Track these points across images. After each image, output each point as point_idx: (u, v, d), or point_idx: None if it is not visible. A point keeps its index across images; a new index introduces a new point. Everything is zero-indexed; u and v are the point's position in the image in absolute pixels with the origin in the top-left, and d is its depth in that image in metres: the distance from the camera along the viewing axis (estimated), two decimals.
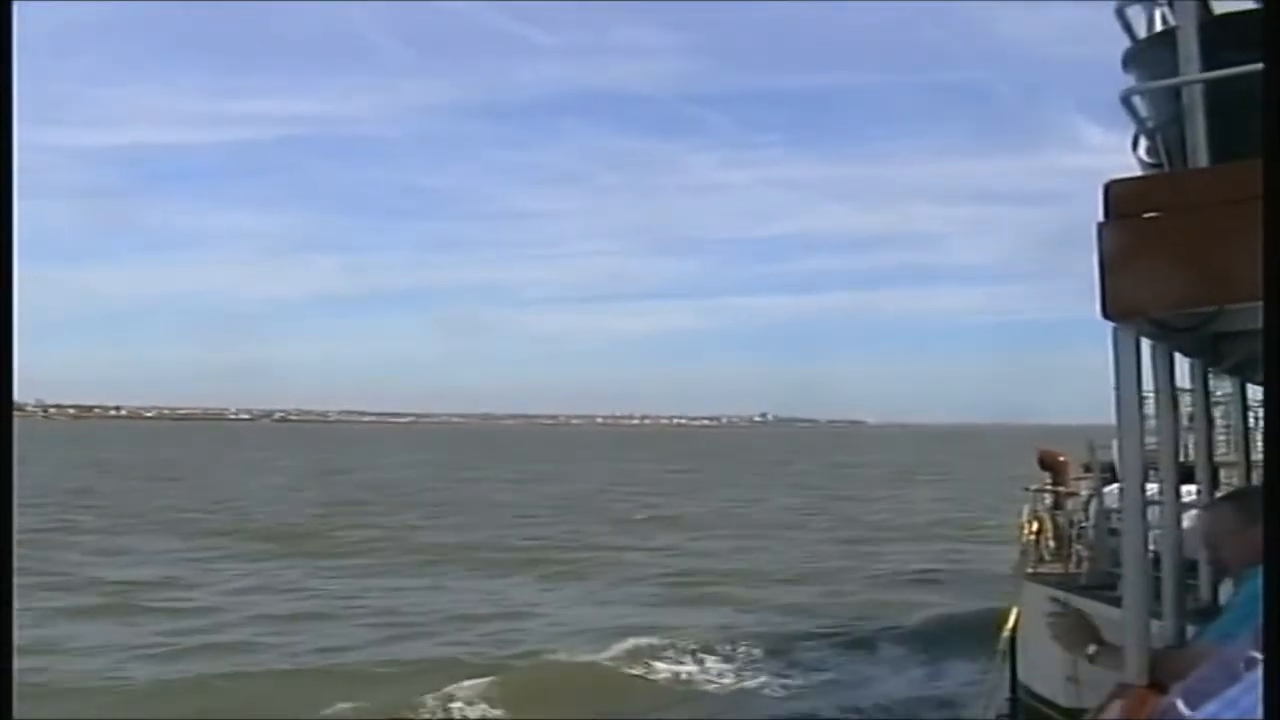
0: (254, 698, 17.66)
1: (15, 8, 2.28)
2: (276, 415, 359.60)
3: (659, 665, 20.00)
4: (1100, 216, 3.74)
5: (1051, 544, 16.23)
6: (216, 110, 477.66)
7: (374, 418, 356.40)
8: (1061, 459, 17.68)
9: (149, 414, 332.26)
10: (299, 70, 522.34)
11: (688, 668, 19.99)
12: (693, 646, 20.90)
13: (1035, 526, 16.49)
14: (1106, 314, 3.76)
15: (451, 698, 17.41)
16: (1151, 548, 4.16)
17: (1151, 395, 4.25)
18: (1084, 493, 16.28)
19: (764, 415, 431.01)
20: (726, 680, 19.54)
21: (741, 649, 21.16)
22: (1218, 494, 6.19)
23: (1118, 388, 3.91)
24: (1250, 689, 2.13)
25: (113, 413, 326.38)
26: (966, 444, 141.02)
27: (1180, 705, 2.72)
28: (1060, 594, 6.04)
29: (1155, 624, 4.20)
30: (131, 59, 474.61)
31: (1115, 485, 11.84)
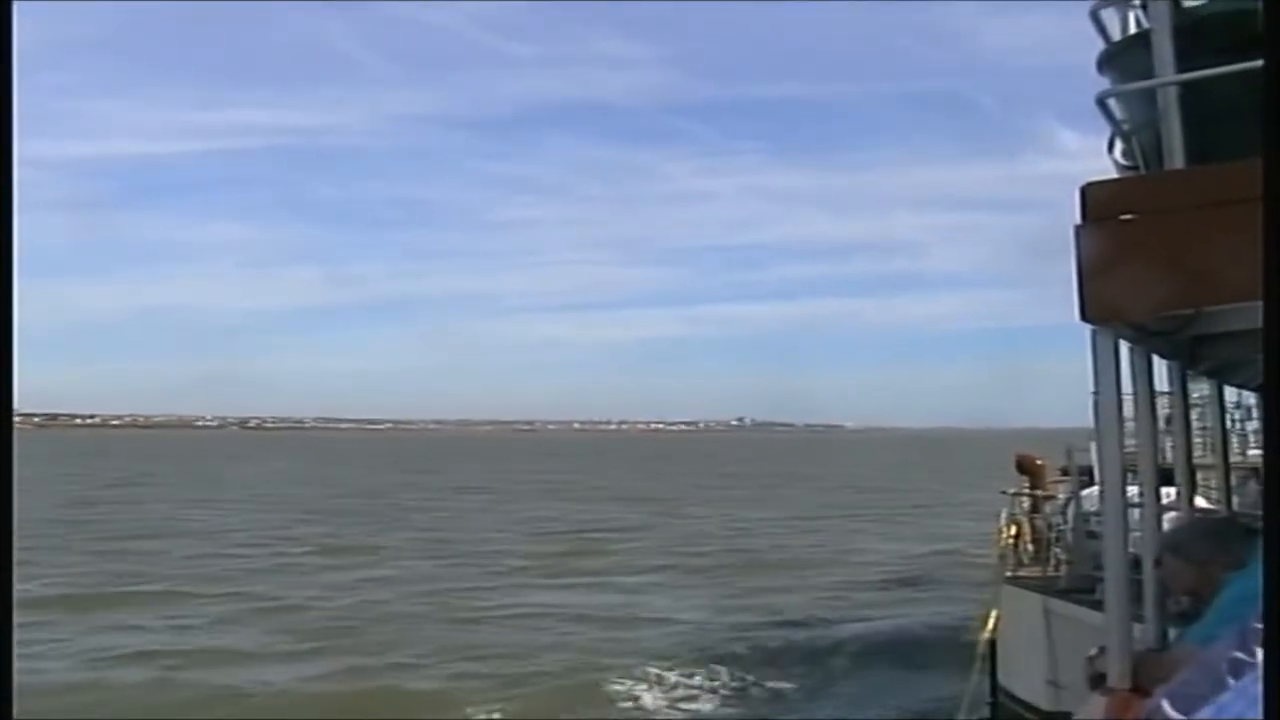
0: None
1: (15, 8, 2.24)
2: (251, 423, 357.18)
3: None
4: (1077, 220, 3.73)
5: (1030, 547, 16.30)
6: (198, 123, 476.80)
7: (351, 425, 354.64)
8: (1039, 463, 17.77)
9: (116, 422, 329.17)
10: (283, 83, 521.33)
11: None
12: None
13: (1013, 530, 16.56)
14: (1085, 317, 3.75)
15: None
16: (1131, 550, 4.16)
17: (1130, 398, 4.24)
18: (1062, 496, 16.37)
19: (741, 419, 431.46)
20: None
21: None
22: (1196, 497, 6.21)
23: (1097, 391, 3.90)
24: (1240, 695, 2.11)
25: (78, 421, 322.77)
26: (930, 449, 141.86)
27: (1166, 708, 2.71)
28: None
29: (1137, 627, 4.20)
30: (115, 72, 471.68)
31: (1093, 488, 11.88)
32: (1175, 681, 2.79)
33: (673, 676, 19.68)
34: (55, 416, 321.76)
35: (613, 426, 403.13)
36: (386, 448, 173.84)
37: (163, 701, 17.92)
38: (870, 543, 41.13)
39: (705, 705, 18.62)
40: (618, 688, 19.14)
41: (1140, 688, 3.68)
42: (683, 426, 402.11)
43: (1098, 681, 4.02)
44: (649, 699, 18.72)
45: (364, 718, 17.83)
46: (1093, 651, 4.19)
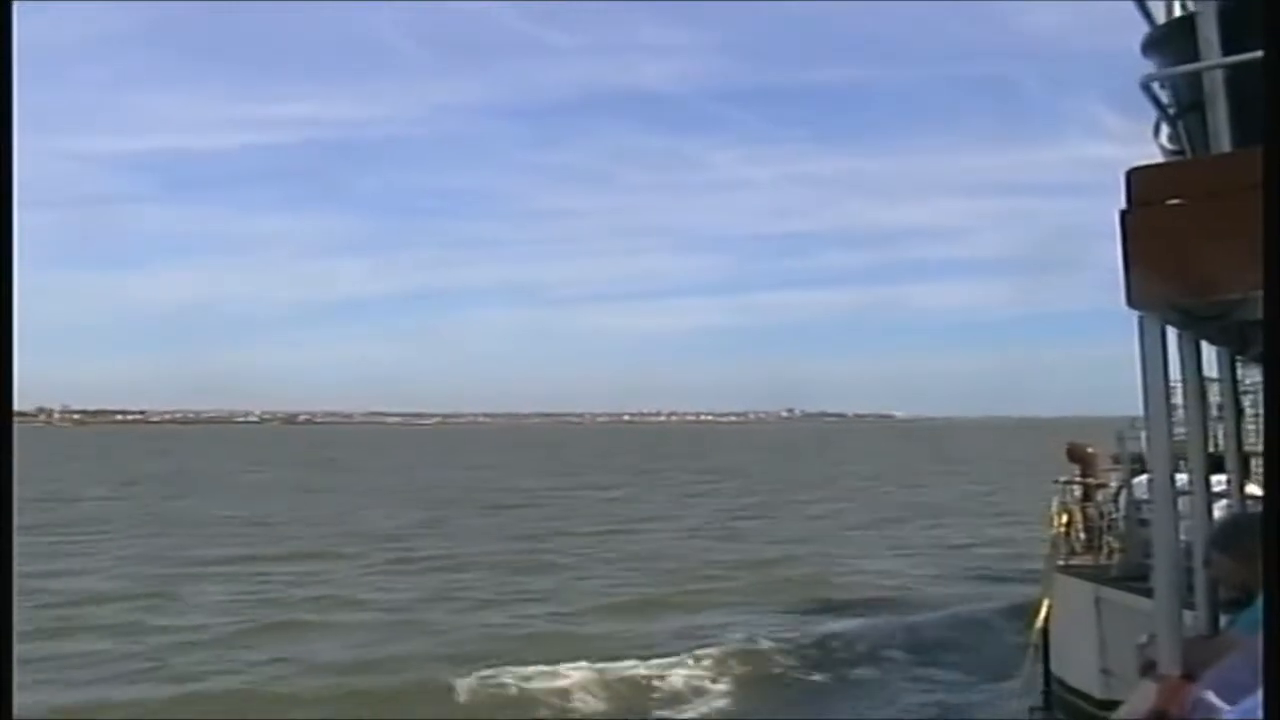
0: None
1: (15, 8, 2.29)
2: (300, 418, 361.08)
3: None
4: (1123, 205, 3.71)
5: (1082, 536, 16.17)
6: (238, 115, 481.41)
7: (399, 419, 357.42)
8: (1090, 451, 17.59)
9: (157, 418, 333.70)
10: (323, 75, 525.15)
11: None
12: None
13: (1065, 519, 16.43)
14: (1131, 303, 3.73)
15: None
16: (1183, 538, 4.13)
17: (1180, 385, 4.21)
18: (1114, 484, 16.20)
19: (791, 410, 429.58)
20: None
21: None
22: (1248, 484, 6.13)
23: (1144, 378, 3.87)
24: None
25: (118, 418, 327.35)
26: (966, 438, 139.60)
27: (1211, 697, 2.70)
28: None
29: (1188, 614, 4.17)
30: (153, 66, 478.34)
31: (1145, 476, 11.74)
32: (1220, 668, 2.78)
33: None
34: (96, 413, 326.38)
35: (662, 418, 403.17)
36: (467, 441, 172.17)
37: None
38: None
39: None
40: None
41: (1190, 674, 3.66)
42: (732, 418, 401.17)
43: (1148, 668, 4.00)
44: None
45: None
46: (1143, 639, 4.17)
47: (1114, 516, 15.37)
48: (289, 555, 34.53)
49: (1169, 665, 3.75)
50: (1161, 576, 3.87)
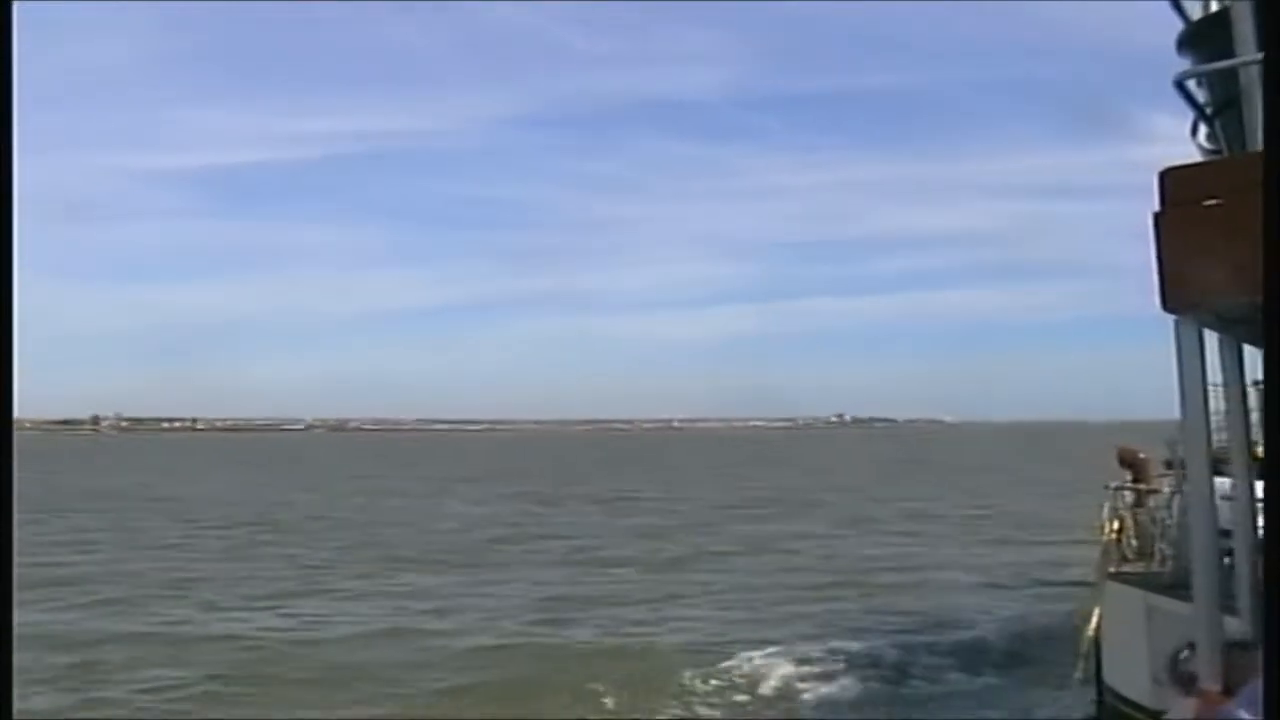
0: None
1: (15, 8, 2.32)
2: (351, 424, 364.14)
3: None
4: (1156, 206, 3.63)
5: (1134, 543, 15.88)
6: (287, 129, 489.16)
7: (447, 426, 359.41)
8: (1142, 456, 17.27)
9: (202, 426, 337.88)
10: (367, 88, 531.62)
11: None
12: None
13: (1116, 525, 16.14)
14: (1166, 306, 3.66)
15: None
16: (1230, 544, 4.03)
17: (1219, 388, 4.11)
18: (1166, 490, 15.89)
19: (840, 416, 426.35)
20: None
21: None
22: None
23: (1181, 382, 3.80)
24: None
25: (164, 425, 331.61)
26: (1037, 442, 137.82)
27: (1243, 715, 2.62)
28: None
29: (1234, 621, 4.07)
30: (203, 83, 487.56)
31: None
32: (1254, 683, 2.69)
33: None
34: (144, 420, 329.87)
35: (711, 424, 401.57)
36: (533, 448, 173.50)
37: None
38: None
39: None
40: None
41: (1230, 688, 3.57)
42: (782, 424, 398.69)
43: (1188, 681, 3.91)
44: None
45: None
46: (1183, 653, 4.08)
47: (1166, 523, 15.07)
48: None
49: (1208, 678, 3.66)
50: (1200, 585, 3.78)
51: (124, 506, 57.74)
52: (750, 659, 20.69)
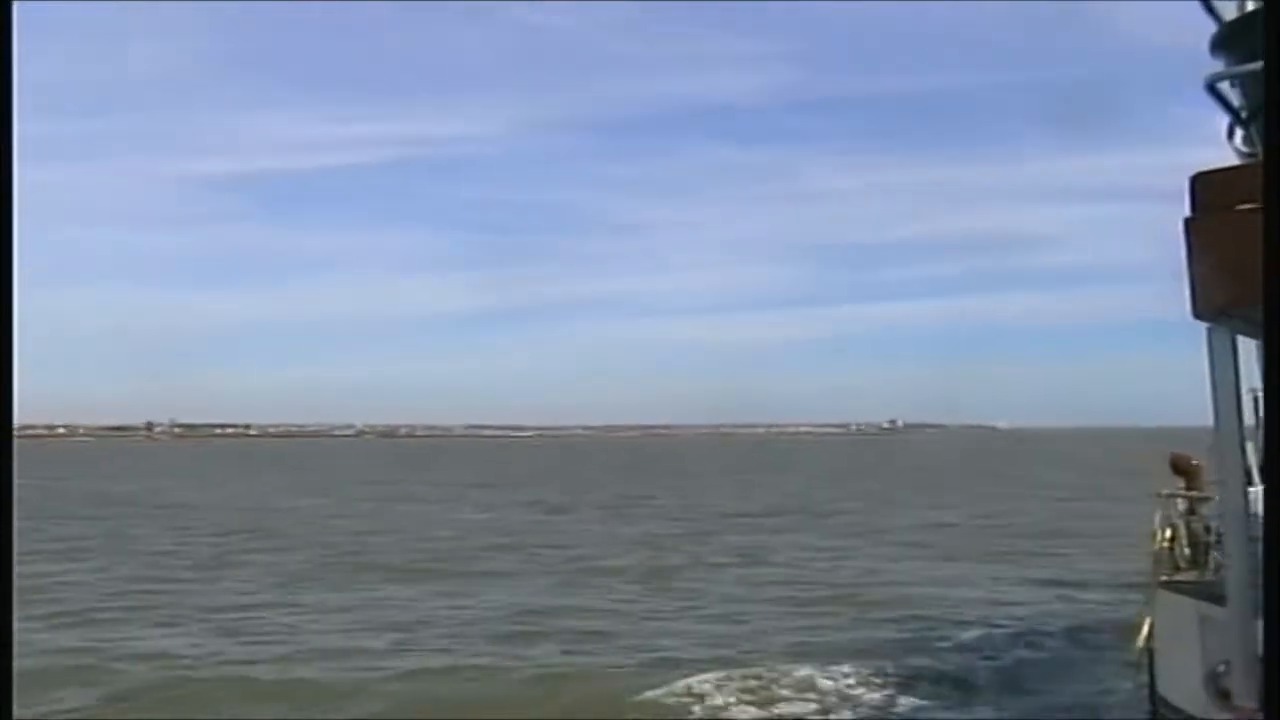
0: None
1: (15, 8, 2.35)
2: (401, 430, 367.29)
3: None
4: (1187, 212, 3.57)
5: (1186, 551, 15.61)
6: (331, 135, 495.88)
7: (496, 432, 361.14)
8: (1195, 463, 16.96)
9: (254, 432, 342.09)
10: (410, 93, 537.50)
11: None
12: None
13: (1168, 534, 15.88)
14: (1197, 314, 3.59)
15: None
16: None
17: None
18: (1219, 497, 15.62)
19: (893, 421, 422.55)
20: None
21: None
22: None
23: (1214, 390, 3.73)
24: None
25: (216, 431, 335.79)
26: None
27: None
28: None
29: None
30: (251, 89, 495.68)
31: (1253, 489, 11.28)
32: None
33: None
34: (198, 426, 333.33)
35: (760, 430, 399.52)
36: (569, 453, 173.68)
37: None
38: None
39: None
40: None
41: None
42: (832, 429, 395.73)
43: (1224, 697, 3.83)
44: None
45: None
46: (1220, 668, 4.00)
47: (1219, 531, 14.79)
48: None
49: (1242, 695, 3.59)
50: (1234, 597, 3.71)
51: (126, 513, 58.15)
52: (693, 684, 19.15)
